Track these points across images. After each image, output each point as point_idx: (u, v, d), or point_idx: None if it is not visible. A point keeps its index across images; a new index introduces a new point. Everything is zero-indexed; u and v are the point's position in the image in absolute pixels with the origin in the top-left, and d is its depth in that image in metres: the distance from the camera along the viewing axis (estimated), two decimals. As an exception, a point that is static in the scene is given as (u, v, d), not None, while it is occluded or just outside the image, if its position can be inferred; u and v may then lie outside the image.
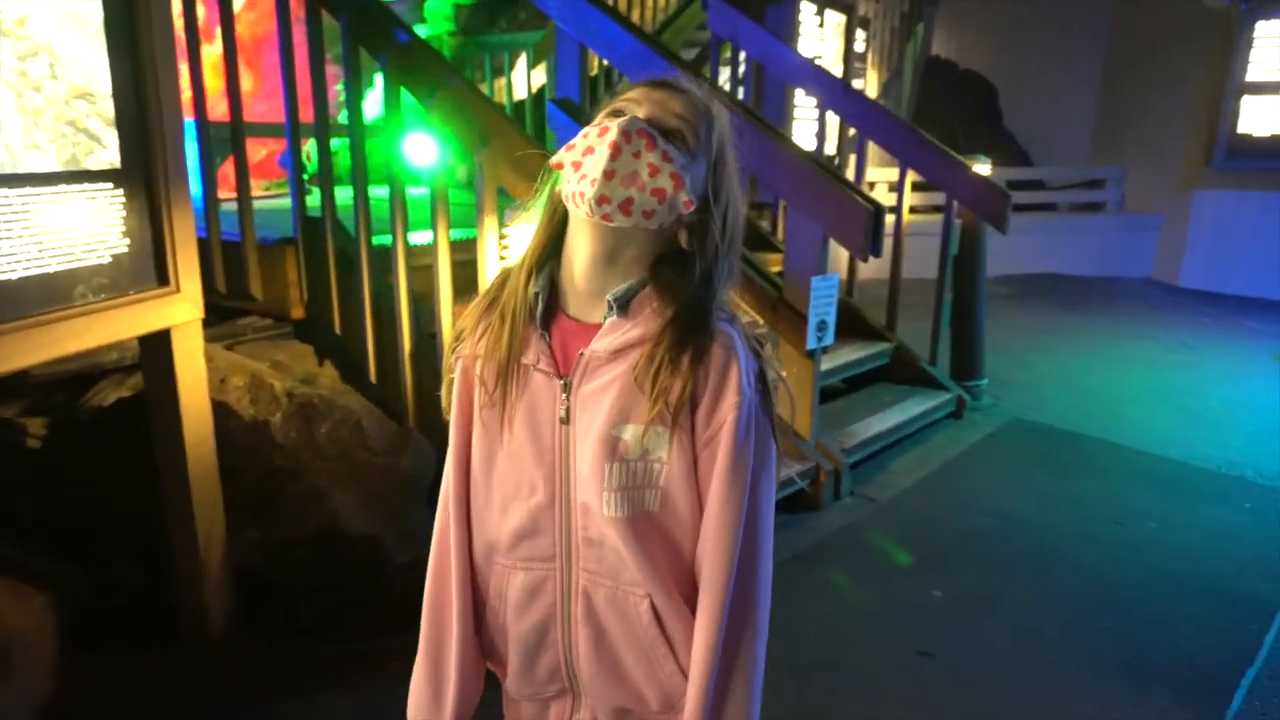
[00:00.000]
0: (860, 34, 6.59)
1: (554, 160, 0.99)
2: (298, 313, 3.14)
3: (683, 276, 1.00)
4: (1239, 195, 7.80)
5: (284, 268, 3.10)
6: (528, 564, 1.08)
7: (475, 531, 1.12)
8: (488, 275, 2.60)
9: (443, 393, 1.13)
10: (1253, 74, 7.47)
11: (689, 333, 0.98)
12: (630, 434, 0.99)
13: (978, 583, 2.86)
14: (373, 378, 3.00)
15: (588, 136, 0.97)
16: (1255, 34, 7.40)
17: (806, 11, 5.48)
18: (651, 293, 1.00)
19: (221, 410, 2.28)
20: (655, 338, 0.98)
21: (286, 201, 4.80)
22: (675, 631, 1.04)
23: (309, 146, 4.16)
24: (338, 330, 3.07)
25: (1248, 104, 7.53)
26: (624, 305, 1.00)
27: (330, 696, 2.21)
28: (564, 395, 1.02)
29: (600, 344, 1.00)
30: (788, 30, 5.25)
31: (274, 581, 2.34)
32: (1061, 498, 3.52)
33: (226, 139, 3.04)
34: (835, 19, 5.92)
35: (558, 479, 1.04)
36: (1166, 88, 8.08)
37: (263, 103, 5.85)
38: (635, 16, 6.33)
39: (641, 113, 0.98)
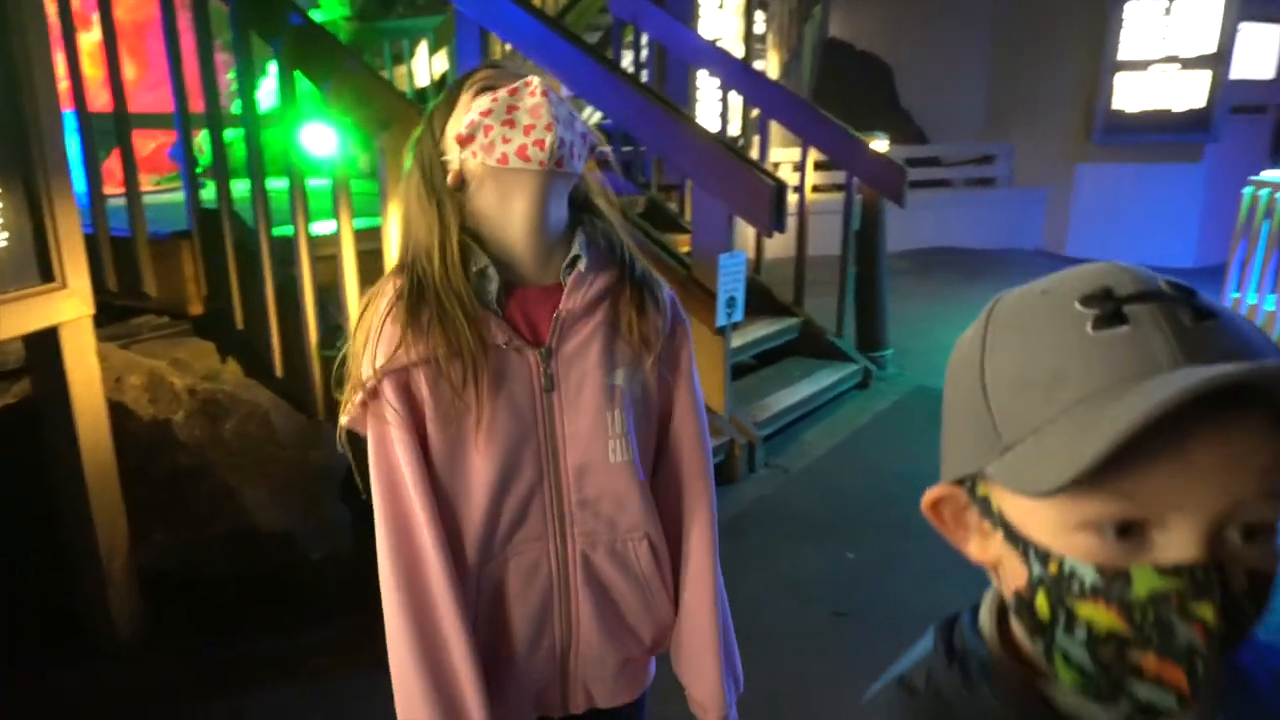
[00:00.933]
0: (759, 15, 6.70)
1: (461, 134, 0.97)
2: (196, 309, 3.03)
3: (597, 222, 1.06)
4: (1117, 168, 8.25)
5: (179, 263, 2.99)
6: (521, 548, 1.04)
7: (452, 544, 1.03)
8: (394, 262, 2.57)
9: (348, 413, 1.02)
10: (1124, 53, 7.89)
11: (644, 273, 1.06)
12: (621, 378, 1.03)
13: (888, 544, 2.99)
14: (279, 372, 2.92)
15: (496, 102, 0.96)
16: (1125, 15, 7.81)
17: (706, -6, 5.55)
18: (587, 240, 1.03)
19: (119, 411, 2.20)
20: (616, 284, 1.03)
21: (178, 196, 4.62)
22: (664, 562, 1.11)
23: (201, 138, 4.01)
24: (240, 325, 2.98)
25: (1121, 81, 7.95)
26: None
27: (247, 698, 2.16)
28: (543, 363, 1.01)
29: (572, 301, 1.01)
30: (688, 12, 5.31)
31: (184, 582, 2.27)
32: (963, 459, 3.68)
33: (110, 131, 2.91)
34: (734, 1, 6.01)
35: (544, 452, 1.02)
36: (1048, 66, 8.46)
37: (148, 93, 5.58)
38: (536, 0, 6.29)
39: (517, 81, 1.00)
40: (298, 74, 2.70)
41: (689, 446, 1.12)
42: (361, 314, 1.04)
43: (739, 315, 3.42)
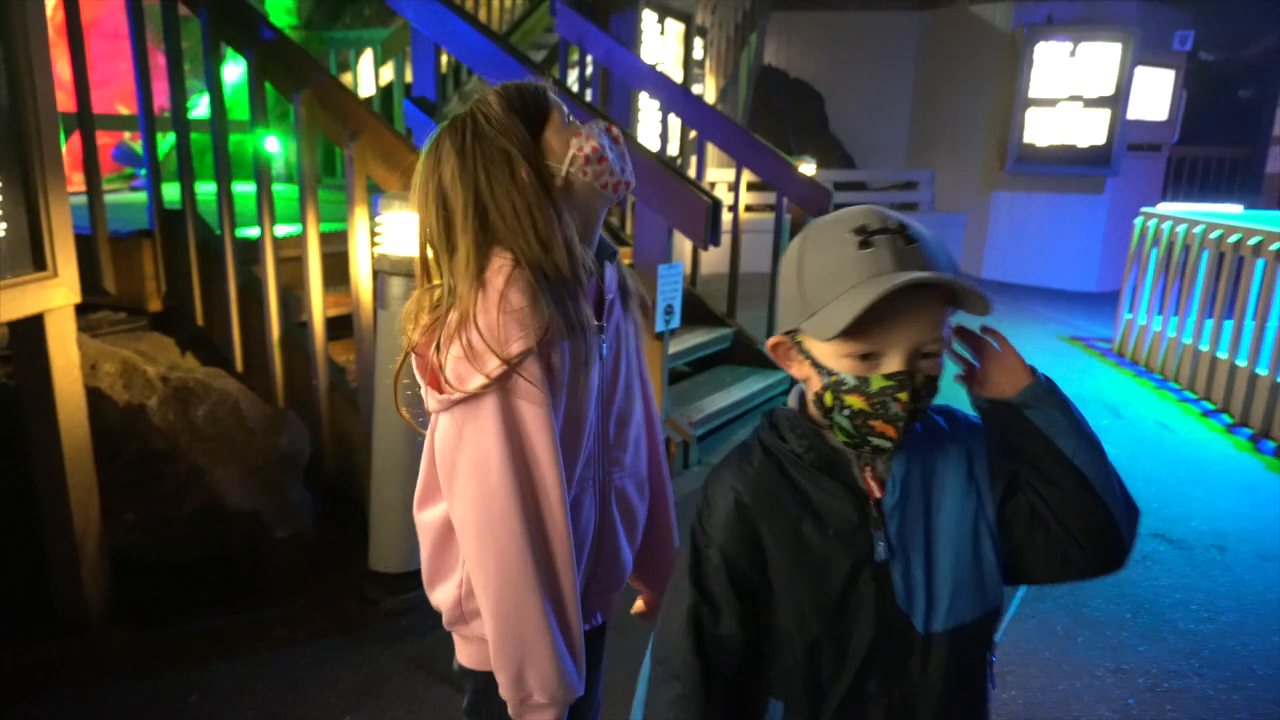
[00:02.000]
0: (698, 42, 7.01)
1: (588, 154, 1.15)
2: (155, 305, 3.15)
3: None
4: (1028, 196, 8.82)
5: (140, 261, 3.10)
6: (582, 484, 1.21)
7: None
8: (360, 266, 2.74)
9: (466, 389, 1.07)
10: (1034, 90, 8.47)
11: (627, 267, 1.32)
12: (633, 347, 1.30)
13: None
14: (239, 367, 3.06)
15: (616, 141, 1.21)
16: (1035, 55, 8.40)
17: (648, 19, 5.82)
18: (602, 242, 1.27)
19: (95, 395, 2.32)
20: (620, 273, 1.27)
21: (124, 196, 4.68)
22: (647, 496, 1.36)
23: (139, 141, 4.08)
24: (199, 321, 3.11)
25: (1032, 115, 8.53)
26: None
27: (212, 667, 2.29)
28: (602, 335, 1.21)
29: (613, 291, 1.24)
30: (631, 36, 5.57)
31: (155, 560, 2.40)
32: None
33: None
34: (675, 27, 6.30)
35: (600, 409, 1.23)
36: (966, 99, 9.01)
37: (91, 93, 5.60)
38: (482, 16, 6.49)
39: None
40: (268, 85, 2.86)
41: (649, 398, 1.36)
42: (479, 298, 1.09)
43: (676, 322, 3.68)
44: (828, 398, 0.91)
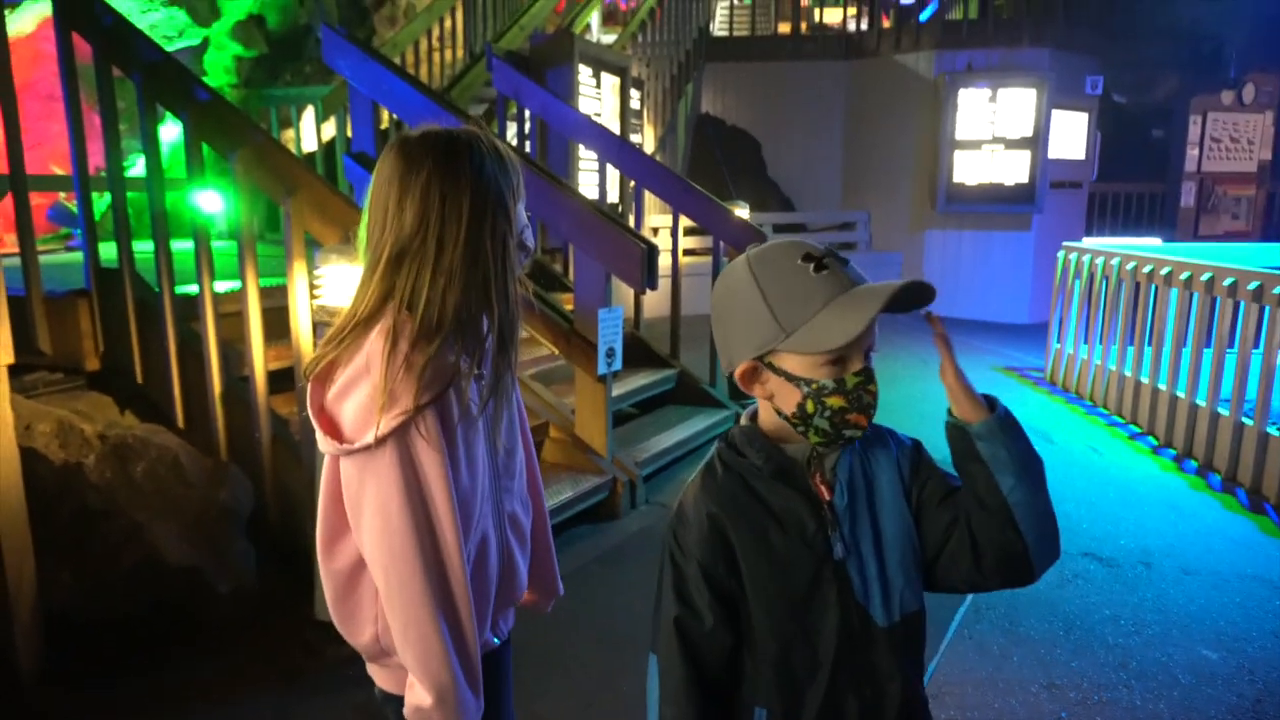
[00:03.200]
0: (635, 93, 7.21)
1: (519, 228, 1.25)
2: (93, 364, 3.13)
3: None
4: (959, 234, 9.16)
5: (76, 320, 3.09)
6: (482, 518, 1.26)
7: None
8: (300, 319, 2.77)
9: (383, 429, 1.10)
10: (960, 133, 8.85)
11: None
12: (511, 383, 1.36)
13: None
14: (180, 423, 3.05)
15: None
16: (959, 100, 8.79)
17: (584, 73, 5.98)
18: None
19: (29, 455, 2.30)
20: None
21: (61, 257, 4.63)
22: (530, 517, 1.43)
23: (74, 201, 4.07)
24: (139, 379, 3.09)
25: (959, 157, 8.90)
26: None
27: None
28: (482, 381, 1.25)
29: (490, 338, 1.30)
30: (567, 90, 5.72)
31: (94, 619, 2.36)
32: (822, 492, 4.08)
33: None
34: (610, 80, 6.48)
35: (490, 443, 1.28)
36: (895, 143, 9.37)
37: (25, 154, 5.55)
38: (424, 74, 6.61)
39: None
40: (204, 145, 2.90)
41: (522, 415, 1.42)
42: (386, 351, 1.11)
43: (618, 364, 3.75)
44: (809, 405, 1.00)
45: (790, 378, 1.01)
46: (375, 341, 1.13)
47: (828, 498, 1.05)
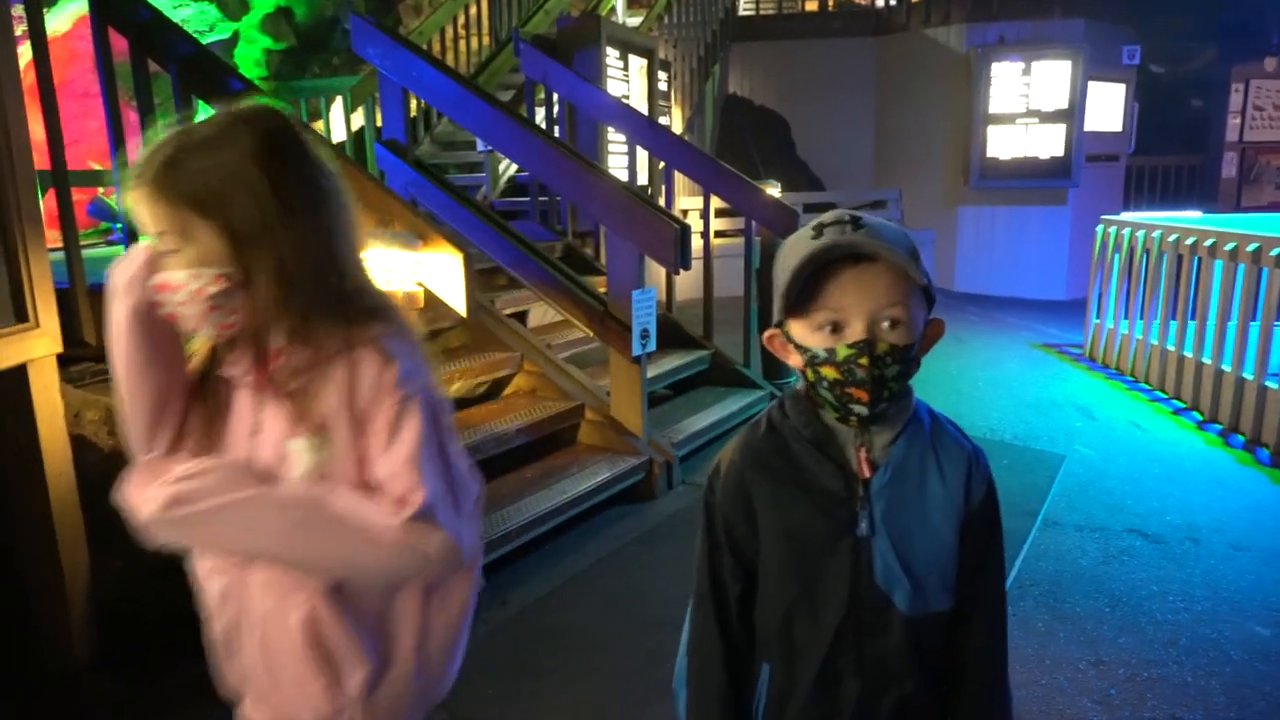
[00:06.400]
0: (662, 75, 7.16)
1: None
2: (136, 355, 3.18)
3: None
4: (992, 210, 9.01)
5: (119, 311, 3.14)
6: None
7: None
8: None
9: None
10: (993, 107, 8.69)
11: None
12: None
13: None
14: (222, 411, 3.09)
15: None
16: (992, 74, 8.63)
17: (611, 56, 5.95)
18: None
19: (78, 443, 2.35)
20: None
21: (102, 251, 4.71)
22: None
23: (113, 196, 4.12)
24: (181, 368, 3.14)
25: (992, 132, 8.74)
26: None
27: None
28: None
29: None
30: (595, 73, 5.70)
31: (143, 608, 2.40)
32: (859, 471, 4.06)
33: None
34: (638, 62, 6.44)
35: None
36: (926, 119, 9.22)
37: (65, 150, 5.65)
38: (450, 60, 6.62)
39: None
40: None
41: None
42: None
43: (652, 346, 3.74)
44: (809, 374, 1.01)
45: (796, 345, 1.03)
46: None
47: (867, 474, 1.03)
